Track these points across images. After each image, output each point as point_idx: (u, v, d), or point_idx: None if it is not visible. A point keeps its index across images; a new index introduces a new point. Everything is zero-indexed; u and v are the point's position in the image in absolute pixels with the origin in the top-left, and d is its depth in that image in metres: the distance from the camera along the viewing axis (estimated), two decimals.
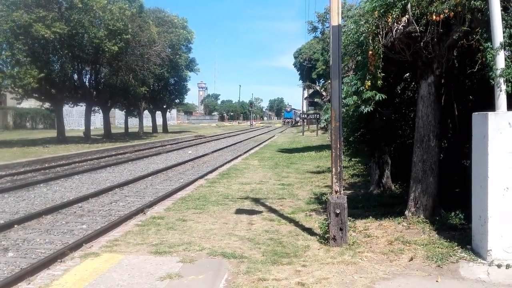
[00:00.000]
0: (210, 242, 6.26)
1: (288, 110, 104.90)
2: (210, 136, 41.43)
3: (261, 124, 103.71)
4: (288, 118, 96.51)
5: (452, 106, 7.94)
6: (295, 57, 61.41)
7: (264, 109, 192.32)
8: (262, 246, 6.03)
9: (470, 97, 8.06)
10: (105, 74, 32.81)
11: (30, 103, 42.80)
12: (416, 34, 6.41)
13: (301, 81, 60.29)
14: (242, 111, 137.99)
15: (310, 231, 6.74)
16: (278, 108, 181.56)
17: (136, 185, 12.60)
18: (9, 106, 46.49)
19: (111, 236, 6.70)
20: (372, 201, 8.76)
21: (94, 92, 32.41)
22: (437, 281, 4.72)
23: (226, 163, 17.90)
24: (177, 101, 51.77)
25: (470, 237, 5.65)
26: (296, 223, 7.33)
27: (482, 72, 6.26)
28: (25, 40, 24.70)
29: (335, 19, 5.93)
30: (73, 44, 26.51)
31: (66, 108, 38.81)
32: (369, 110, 7.04)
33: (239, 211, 8.34)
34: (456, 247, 5.66)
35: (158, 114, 51.93)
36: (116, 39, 27.02)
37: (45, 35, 24.00)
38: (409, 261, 5.34)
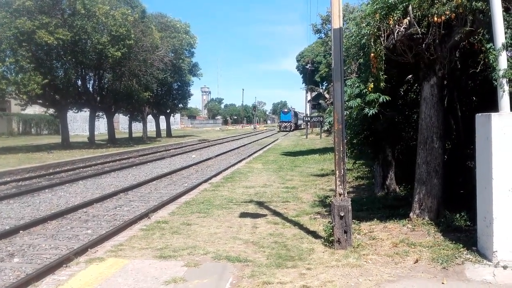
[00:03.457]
0: (215, 246, 6.26)
1: (286, 111, 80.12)
2: (214, 140, 41.48)
3: (265, 128, 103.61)
4: (285, 122, 75.07)
5: (455, 108, 7.93)
6: (298, 60, 61.53)
7: (267, 113, 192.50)
8: (267, 250, 6.03)
9: (473, 98, 8.06)
10: (109, 80, 33.02)
11: (34, 109, 43.08)
12: (418, 36, 6.42)
13: (304, 84, 60.30)
14: (246, 115, 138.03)
15: (314, 234, 6.73)
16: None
17: (140, 189, 12.62)
18: (14, 112, 46.74)
19: (116, 241, 6.72)
20: (376, 204, 8.73)
21: (98, 98, 32.57)
22: (443, 283, 4.71)
23: (230, 166, 17.91)
24: (180, 105, 51.95)
25: (476, 238, 5.63)
26: (301, 226, 7.32)
27: (485, 73, 6.26)
28: (29, 47, 24.89)
29: (336, 22, 5.96)
30: (77, 50, 26.66)
31: (70, 114, 38.99)
32: (373, 112, 7.04)
33: (243, 215, 8.35)
34: (462, 249, 5.63)
35: (162, 118, 52.14)
36: (119, 45, 27.14)
37: (49, 42, 24.16)
38: (414, 263, 5.33)
